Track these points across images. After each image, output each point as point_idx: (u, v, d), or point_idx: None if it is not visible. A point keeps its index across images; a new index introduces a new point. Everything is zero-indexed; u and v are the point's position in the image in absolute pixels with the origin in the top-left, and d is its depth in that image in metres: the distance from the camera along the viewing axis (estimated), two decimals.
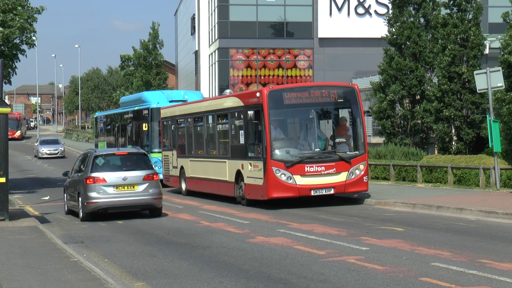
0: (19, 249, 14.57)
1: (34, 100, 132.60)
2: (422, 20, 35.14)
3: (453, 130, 32.32)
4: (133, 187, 20.29)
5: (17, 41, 32.11)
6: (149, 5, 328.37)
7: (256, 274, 11.70)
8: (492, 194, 23.26)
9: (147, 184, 20.38)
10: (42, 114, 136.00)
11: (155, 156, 32.19)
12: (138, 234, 17.59)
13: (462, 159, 28.61)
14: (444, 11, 33.34)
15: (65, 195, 23.06)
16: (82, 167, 21.44)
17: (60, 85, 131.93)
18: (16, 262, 12.87)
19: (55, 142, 61.21)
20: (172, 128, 30.37)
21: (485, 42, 33.34)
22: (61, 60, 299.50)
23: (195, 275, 11.85)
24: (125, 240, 16.52)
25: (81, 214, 20.60)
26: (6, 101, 50.02)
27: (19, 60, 33.00)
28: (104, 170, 20.47)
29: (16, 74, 33.38)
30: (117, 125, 39.14)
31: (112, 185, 20.17)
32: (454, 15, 32.39)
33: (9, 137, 71.13)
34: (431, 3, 34.91)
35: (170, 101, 32.87)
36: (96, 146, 43.42)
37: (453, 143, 32.25)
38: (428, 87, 33.94)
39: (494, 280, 10.58)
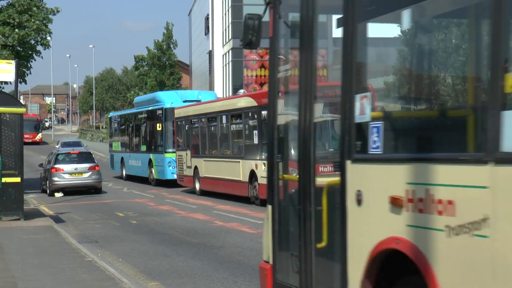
0: (34, 248, 14.61)
1: (48, 100, 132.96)
2: None
3: None
4: (82, 174, 30.37)
5: (32, 42, 32.26)
6: (160, 5, 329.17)
7: None
8: None
9: (91, 172, 30.40)
10: (56, 114, 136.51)
11: (169, 156, 32.23)
12: (151, 233, 17.61)
13: None
14: None
15: (40, 179, 32.78)
16: (49, 161, 31.26)
17: (75, 85, 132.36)
18: (30, 261, 12.90)
19: (77, 144, 58.46)
20: (186, 128, 30.38)
21: None
22: (75, 60, 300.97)
23: (209, 275, 11.84)
24: (139, 240, 16.54)
25: (48, 191, 30.63)
26: (21, 101, 50.23)
27: (35, 60, 33.18)
28: (63, 163, 30.54)
29: (30, 73, 33.55)
30: (131, 125, 39.21)
31: (68, 173, 30.15)
32: None
33: (30, 140, 70.05)
34: None
35: (184, 101, 32.89)
36: (111, 146, 43.52)
37: None
38: None
39: None
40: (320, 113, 6.60)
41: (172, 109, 32.11)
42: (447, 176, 4.72)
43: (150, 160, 34.73)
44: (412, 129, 5.64)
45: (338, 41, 5.93)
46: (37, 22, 31.27)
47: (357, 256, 5.57)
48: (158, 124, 33.69)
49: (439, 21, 5.46)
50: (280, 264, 7.03)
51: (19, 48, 31.95)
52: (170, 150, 32.49)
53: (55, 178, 29.98)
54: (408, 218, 5.04)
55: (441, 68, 5.40)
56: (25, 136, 69.54)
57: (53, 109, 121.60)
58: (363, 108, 5.54)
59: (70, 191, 30.03)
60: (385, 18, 5.56)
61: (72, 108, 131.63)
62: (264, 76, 57.93)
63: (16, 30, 30.84)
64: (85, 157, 31.34)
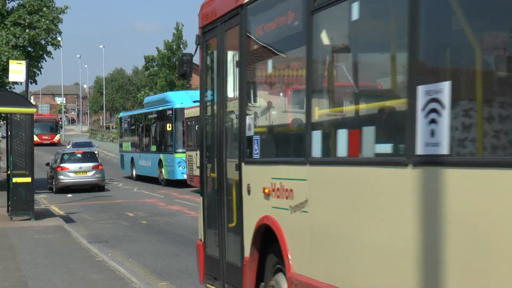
0: (44, 248, 14.64)
1: (59, 100, 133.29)
2: None
3: None
4: (86, 173, 32.02)
5: (42, 42, 32.34)
6: (170, 6, 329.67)
7: None
8: None
9: (94, 171, 32.02)
10: (67, 114, 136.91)
11: (179, 156, 32.25)
12: (161, 233, 17.62)
13: None
14: None
15: (47, 178, 34.23)
16: (56, 160, 32.86)
17: (85, 86, 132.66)
18: (41, 261, 12.93)
19: (88, 145, 57.16)
20: (196, 128, 30.37)
21: None
22: (85, 60, 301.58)
23: None
24: (149, 240, 16.55)
25: (54, 189, 32.27)
26: (32, 101, 50.31)
27: (45, 61, 33.28)
28: (68, 162, 32.13)
29: (41, 73, 33.65)
30: (141, 125, 39.27)
31: (73, 172, 31.82)
32: None
33: (48, 141, 69.63)
34: None
35: (194, 101, 32.86)
36: (121, 146, 43.60)
37: None
38: None
39: None
40: (229, 127, 8.63)
41: (182, 109, 32.11)
42: (289, 173, 6.92)
43: (160, 160, 34.77)
44: (273, 141, 7.96)
45: (236, 77, 8.31)
46: (47, 22, 31.35)
47: (248, 230, 7.71)
48: (168, 124, 33.72)
49: (291, 66, 7.61)
50: (208, 241, 9.05)
51: (29, 49, 32.04)
52: (180, 150, 32.49)
53: (61, 177, 31.73)
54: (272, 202, 7.21)
55: (285, 101, 8.15)
56: (44, 137, 69.25)
57: (63, 109, 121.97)
58: (250, 126, 7.81)
59: (75, 189, 31.57)
60: (263, 63, 8.02)
61: (83, 108, 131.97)
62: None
63: (27, 30, 30.92)
64: (89, 156, 33.08)
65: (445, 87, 4.62)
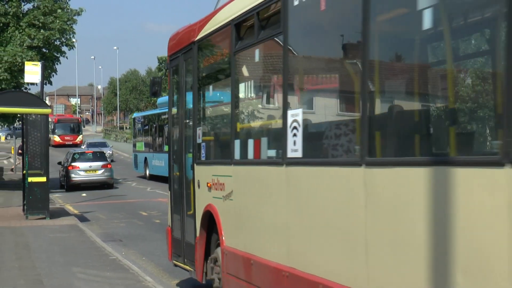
0: (59, 247, 14.72)
1: (73, 101, 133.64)
2: None
3: None
4: (95, 171, 33.63)
5: (57, 43, 32.45)
6: (182, 7, 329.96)
7: None
8: None
9: (103, 170, 33.65)
10: (81, 115, 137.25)
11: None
12: None
13: None
14: None
15: (59, 176, 35.62)
16: (67, 159, 34.57)
17: (99, 86, 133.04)
18: (56, 259, 13.00)
19: (103, 145, 57.40)
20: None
21: None
22: (100, 62, 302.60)
23: None
24: (162, 239, 16.55)
25: (66, 186, 33.74)
26: (47, 102, 50.43)
27: (60, 62, 33.39)
28: (79, 161, 33.75)
29: (56, 74, 33.81)
30: (154, 125, 39.34)
31: (83, 170, 33.49)
32: None
33: (71, 142, 68.94)
34: None
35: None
36: (134, 146, 43.68)
37: None
38: None
39: None
40: (187, 136, 10.55)
41: None
42: (222, 171, 8.96)
43: None
44: (213, 147, 9.89)
45: (201, 95, 10.21)
46: (61, 22, 31.46)
47: (198, 216, 9.80)
48: None
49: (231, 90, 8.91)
50: (174, 226, 11.06)
51: (44, 50, 32.16)
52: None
53: (72, 175, 33.52)
54: (213, 193, 9.28)
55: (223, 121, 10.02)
56: (66, 138, 68.09)
57: (78, 110, 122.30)
58: (199, 136, 9.93)
59: (85, 186, 33.31)
60: (207, 87, 10.18)
61: (97, 109, 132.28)
62: None
63: (42, 31, 31.03)
64: (98, 156, 34.95)
65: (299, 112, 6.87)
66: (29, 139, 20.02)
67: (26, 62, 24.54)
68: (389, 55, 5.97)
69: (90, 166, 33.64)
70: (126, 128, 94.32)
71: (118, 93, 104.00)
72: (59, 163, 36.16)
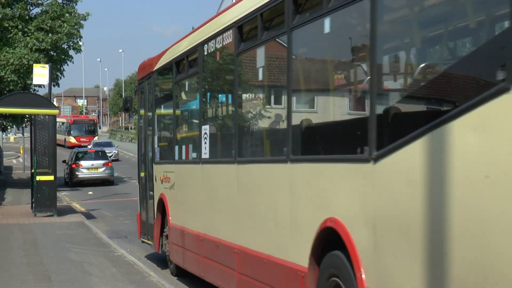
0: (66, 243, 14.72)
1: (80, 102, 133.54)
2: None
3: None
4: (97, 169, 35.08)
5: (64, 46, 32.46)
6: (186, 9, 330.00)
7: None
8: None
9: (105, 168, 35.16)
10: (88, 116, 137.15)
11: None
12: None
13: None
14: None
15: (64, 173, 36.34)
16: (71, 158, 36.03)
17: (105, 88, 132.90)
18: (63, 256, 13.00)
19: (108, 145, 56.77)
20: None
21: None
22: (106, 64, 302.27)
23: None
24: None
25: (70, 183, 35.21)
26: (54, 103, 50.27)
27: (67, 64, 33.39)
28: (82, 160, 35.37)
29: (64, 76, 33.80)
30: None
31: (85, 168, 35.02)
32: None
33: (86, 144, 66.69)
34: None
35: None
36: None
37: None
38: None
39: None
40: (149, 142, 13.13)
41: None
42: (168, 168, 11.58)
43: None
44: (163, 150, 12.37)
45: (157, 112, 12.77)
46: (69, 27, 31.47)
47: (155, 202, 12.40)
48: None
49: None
50: (142, 212, 13.69)
51: (52, 53, 32.15)
52: None
53: (76, 172, 35.05)
54: (164, 185, 11.82)
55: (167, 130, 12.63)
56: (82, 139, 64.69)
57: (84, 110, 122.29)
58: (156, 142, 12.61)
59: (88, 183, 34.66)
60: (160, 107, 12.79)
61: (103, 109, 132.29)
62: None
63: (50, 34, 31.04)
64: (100, 155, 36.34)
65: (208, 127, 9.75)
66: (37, 139, 20.03)
67: (34, 65, 24.52)
68: (304, 82, 7.17)
69: (92, 164, 35.05)
70: (131, 128, 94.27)
71: (123, 94, 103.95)
72: (64, 161, 36.84)
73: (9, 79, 29.57)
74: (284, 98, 7.20)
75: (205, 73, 9.99)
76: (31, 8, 32.63)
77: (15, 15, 30.59)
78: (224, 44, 8.89)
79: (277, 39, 7.36)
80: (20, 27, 30.78)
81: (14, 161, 59.59)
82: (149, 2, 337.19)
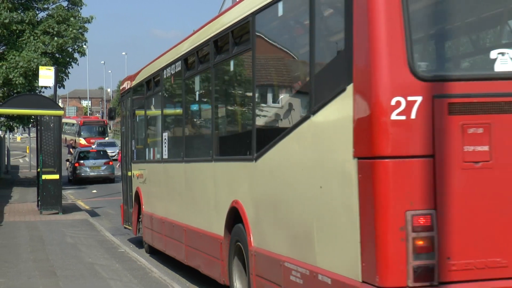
0: (71, 240, 14.73)
1: (85, 103, 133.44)
2: None
3: None
4: (99, 168, 35.89)
5: (69, 49, 32.46)
6: (186, 13, 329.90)
7: None
8: None
9: (106, 166, 35.94)
10: (98, 117, 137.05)
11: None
12: None
13: None
14: None
15: (67, 172, 37.22)
16: (74, 157, 36.96)
17: (109, 90, 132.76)
18: (68, 252, 13.01)
19: (112, 144, 56.28)
20: None
21: None
22: (109, 66, 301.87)
23: None
24: None
25: (73, 180, 36.09)
26: (60, 104, 50.08)
27: (72, 67, 33.40)
28: (84, 159, 36.17)
29: (68, 78, 33.82)
30: None
31: (87, 167, 35.80)
32: None
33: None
34: None
35: None
36: None
37: None
38: None
39: None
40: (129, 145, 14.94)
41: None
42: (141, 167, 13.70)
43: None
44: (138, 152, 14.24)
45: (134, 121, 14.63)
46: (74, 31, 31.49)
47: (133, 194, 14.34)
48: None
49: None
50: (124, 203, 15.48)
51: (58, 56, 32.16)
52: None
53: (78, 171, 35.91)
54: (139, 180, 13.86)
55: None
56: (92, 140, 60.63)
57: (89, 111, 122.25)
58: (134, 145, 14.50)
59: (90, 181, 35.65)
60: (136, 117, 14.57)
61: (107, 110, 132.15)
62: None
63: (55, 38, 31.05)
64: (101, 154, 37.23)
65: (166, 134, 11.85)
66: (43, 139, 20.04)
67: (40, 67, 24.55)
68: (222, 105, 9.49)
69: (94, 163, 35.91)
70: None
71: None
72: (67, 160, 37.64)
73: (17, 82, 29.57)
74: (211, 117, 9.41)
75: (165, 92, 12.22)
76: (37, 12, 32.63)
77: (23, 20, 30.59)
78: (176, 71, 11.11)
79: (206, 70, 9.78)
80: (27, 31, 30.79)
81: (21, 160, 59.60)
82: (151, 7, 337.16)
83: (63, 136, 70.11)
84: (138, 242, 14.58)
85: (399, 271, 5.06)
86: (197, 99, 10.46)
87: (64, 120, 77.11)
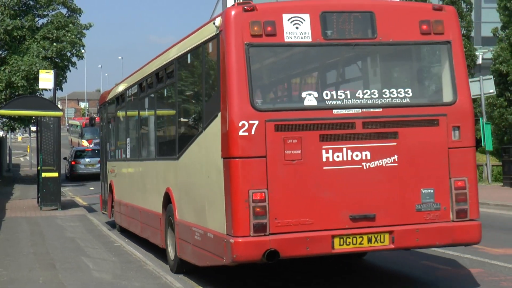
0: (70, 234, 14.67)
1: (83, 105, 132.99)
2: None
3: None
4: (93, 165, 35.99)
5: (68, 54, 32.34)
6: (181, 19, 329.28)
7: None
8: (485, 187, 23.07)
9: (100, 164, 39.30)
10: (90, 117, 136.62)
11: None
12: None
13: None
14: None
15: (65, 169, 37.78)
16: (71, 155, 37.92)
17: None
18: (67, 246, 12.95)
19: None
20: None
21: (477, 53, 33.01)
22: (106, 70, 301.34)
23: None
24: None
25: (70, 177, 37.16)
26: (59, 105, 49.79)
27: (70, 71, 33.25)
28: (80, 157, 37.25)
29: (67, 81, 33.70)
30: None
31: (83, 164, 36.90)
32: None
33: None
34: None
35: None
36: None
37: None
38: None
39: (486, 263, 10.52)
40: (105, 148, 17.29)
41: None
42: (113, 164, 16.16)
43: None
44: (111, 152, 16.56)
45: (108, 128, 17.01)
46: (72, 36, 31.38)
47: (108, 185, 16.68)
48: None
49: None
50: (102, 193, 17.80)
51: (57, 60, 32.03)
52: None
53: (74, 168, 36.96)
54: (112, 175, 16.29)
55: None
56: (94, 141, 62.52)
57: (86, 112, 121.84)
58: (108, 147, 16.95)
59: (86, 177, 36.20)
60: (109, 125, 16.89)
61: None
62: None
63: (54, 43, 30.93)
64: (96, 153, 37.05)
65: (129, 139, 14.56)
66: (43, 139, 19.95)
67: (40, 71, 24.42)
68: (158, 122, 12.17)
69: (89, 161, 36.71)
70: None
71: None
72: (65, 158, 37.73)
73: (19, 84, 29.49)
74: (154, 127, 12.14)
75: (127, 107, 14.51)
76: (38, 19, 32.51)
77: (24, 26, 30.45)
78: (134, 92, 13.60)
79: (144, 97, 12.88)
80: (27, 36, 30.64)
81: (22, 159, 59.33)
82: (147, 14, 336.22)
83: (69, 138, 69.41)
84: (112, 224, 16.97)
85: (245, 226, 7.65)
86: (146, 114, 12.94)
87: (70, 122, 76.35)
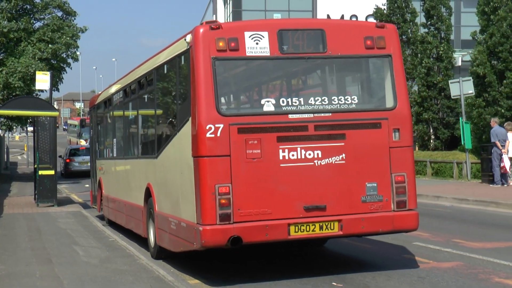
0: (66, 230, 14.63)
1: (78, 105, 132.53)
2: (403, 37, 34.63)
3: (431, 130, 32.21)
4: (87, 163, 34.26)
5: (63, 55, 32.21)
6: (170, 24, 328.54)
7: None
8: (464, 184, 23.18)
9: None
10: (84, 117, 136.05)
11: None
12: None
13: (439, 155, 28.53)
14: (422, 30, 33.26)
15: (60, 167, 36.48)
16: (66, 154, 38.31)
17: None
18: (63, 241, 12.92)
19: None
20: None
21: (456, 56, 33.11)
22: (100, 71, 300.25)
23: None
24: None
25: (64, 174, 37.26)
26: (55, 106, 49.56)
27: (66, 72, 33.13)
28: (74, 155, 37.55)
29: (62, 82, 33.58)
30: None
31: (77, 162, 37.11)
32: (431, 33, 32.26)
33: None
34: (410, 23, 34.50)
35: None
36: None
37: (431, 141, 32.15)
38: (410, 94, 33.75)
39: (465, 256, 10.57)
40: (95, 147, 17.72)
41: None
42: (102, 162, 16.67)
43: None
44: (100, 151, 17.15)
45: (97, 129, 17.59)
46: (67, 38, 31.28)
47: (97, 181, 17.22)
48: None
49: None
50: (92, 189, 18.10)
51: (53, 61, 31.90)
52: None
53: (69, 166, 37.37)
54: (101, 172, 16.78)
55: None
56: None
57: (81, 112, 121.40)
58: (98, 147, 17.50)
59: (80, 174, 36.41)
60: (98, 127, 17.51)
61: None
62: None
63: (50, 45, 30.81)
64: (89, 151, 37.24)
65: (115, 139, 15.19)
66: (39, 138, 19.88)
67: (37, 72, 24.32)
68: (143, 125, 12.82)
69: (83, 159, 36.65)
70: None
71: None
72: (60, 156, 37.80)
73: (16, 85, 29.36)
74: (137, 128, 12.93)
75: (114, 110, 15.08)
76: (34, 22, 32.36)
77: (20, 28, 30.31)
78: (120, 97, 14.17)
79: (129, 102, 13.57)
80: (23, 38, 30.50)
81: (19, 157, 59.01)
82: (139, 18, 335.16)
83: (68, 137, 69.08)
84: (102, 218, 17.23)
85: (212, 216, 8.39)
86: (130, 117, 13.71)
87: (69, 121, 75.99)
